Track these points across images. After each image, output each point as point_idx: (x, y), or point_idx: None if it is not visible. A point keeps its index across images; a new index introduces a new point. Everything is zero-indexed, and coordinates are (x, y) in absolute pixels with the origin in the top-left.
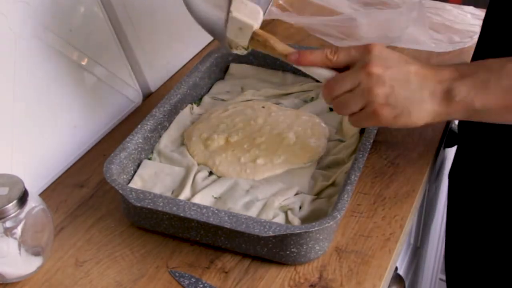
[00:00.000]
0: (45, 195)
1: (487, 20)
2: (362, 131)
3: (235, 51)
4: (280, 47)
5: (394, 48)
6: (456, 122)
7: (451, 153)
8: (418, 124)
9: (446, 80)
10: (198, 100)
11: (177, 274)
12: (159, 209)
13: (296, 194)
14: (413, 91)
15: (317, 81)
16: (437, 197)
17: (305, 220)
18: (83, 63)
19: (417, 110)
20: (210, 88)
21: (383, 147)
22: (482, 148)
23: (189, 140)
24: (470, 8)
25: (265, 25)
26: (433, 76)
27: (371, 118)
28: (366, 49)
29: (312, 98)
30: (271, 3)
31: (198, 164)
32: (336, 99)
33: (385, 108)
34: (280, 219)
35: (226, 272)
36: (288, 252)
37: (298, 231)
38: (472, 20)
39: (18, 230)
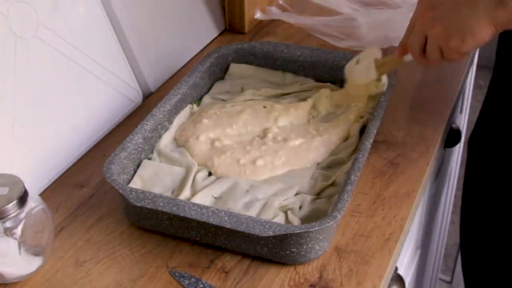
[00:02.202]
0: (45, 195)
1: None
2: (362, 131)
3: (377, 91)
4: (395, 58)
5: (394, 47)
6: (461, 122)
7: (451, 153)
8: (486, 38)
9: None
10: (198, 100)
11: (177, 274)
12: (159, 209)
13: (296, 194)
14: (467, 14)
15: (317, 80)
16: (437, 197)
17: (305, 220)
18: (83, 63)
19: (477, 28)
20: (210, 88)
21: (383, 147)
22: (504, 116)
23: (186, 140)
24: None
25: (265, 25)
26: None
27: (450, 52)
28: (417, 4)
29: (311, 96)
30: None
31: (198, 165)
32: (424, 54)
33: (450, 39)
34: (280, 219)
35: (226, 272)
36: (288, 252)
37: (298, 231)
38: None
39: (18, 230)
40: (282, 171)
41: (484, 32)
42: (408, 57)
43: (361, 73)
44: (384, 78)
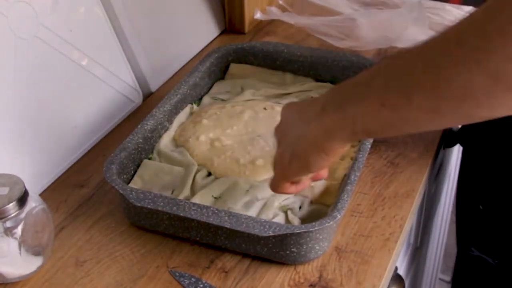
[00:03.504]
0: (45, 195)
1: None
2: None
3: None
4: None
5: (394, 47)
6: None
7: (451, 153)
8: (312, 162)
9: (316, 102)
10: (198, 100)
11: (177, 274)
12: (159, 209)
13: (296, 194)
14: (294, 130)
15: (317, 80)
16: (437, 197)
17: (305, 220)
18: (83, 63)
19: (301, 149)
20: (210, 88)
21: (383, 147)
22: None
23: (186, 140)
24: (470, 8)
25: (265, 25)
26: (313, 101)
27: (281, 179)
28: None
29: (312, 98)
30: None
31: (198, 165)
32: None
33: (283, 163)
34: (280, 219)
35: (226, 272)
36: (288, 252)
37: (298, 231)
38: None
39: (18, 230)
40: None
41: (309, 156)
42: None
43: None
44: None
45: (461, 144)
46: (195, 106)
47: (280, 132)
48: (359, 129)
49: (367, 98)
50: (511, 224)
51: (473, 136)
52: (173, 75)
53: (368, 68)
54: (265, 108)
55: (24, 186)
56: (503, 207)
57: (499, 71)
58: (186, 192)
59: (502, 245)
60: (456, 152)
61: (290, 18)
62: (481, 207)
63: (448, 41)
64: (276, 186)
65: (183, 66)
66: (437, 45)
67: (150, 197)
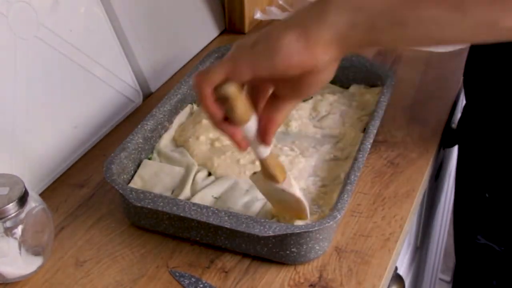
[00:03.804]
0: (45, 195)
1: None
2: (362, 131)
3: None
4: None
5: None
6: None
7: (451, 153)
8: (284, 46)
9: (316, 5)
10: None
11: (177, 274)
12: (159, 209)
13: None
14: (273, 30)
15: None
16: (437, 197)
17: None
18: (83, 63)
19: (275, 30)
20: None
21: (383, 147)
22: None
23: (186, 140)
24: None
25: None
26: (296, 13)
27: (226, 65)
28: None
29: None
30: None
31: (198, 165)
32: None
33: (237, 51)
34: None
35: (226, 272)
36: (288, 252)
37: (298, 231)
38: None
39: (18, 230)
40: None
41: (281, 37)
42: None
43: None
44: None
45: (460, 142)
46: (195, 106)
47: (240, 47)
48: (361, 21)
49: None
50: None
51: (474, 125)
52: (173, 75)
53: None
54: None
55: (24, 186)
56: (509, 194)
57: None
58: (186, 192)
59: (508, 232)
60: (456, 152)
61: None
62: (487, 195)
63: None
64: (205, 78)
65: (183, 66)
66: None
67: (150, 197)
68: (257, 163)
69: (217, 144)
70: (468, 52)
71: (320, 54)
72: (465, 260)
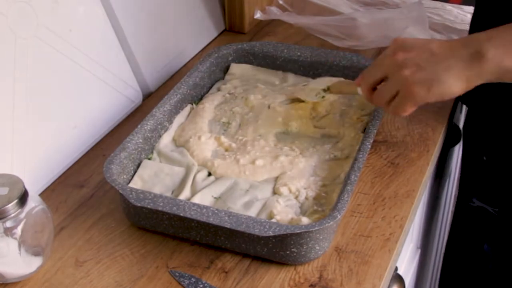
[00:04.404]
0: (45, 195)
1: (475, 18)
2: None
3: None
4: (351, 86)
5: None
6: (461, 122)
7: (451, 153)
8: (454, 91)
9: (473, 43)
10: (198, 100)
11: (177, 274)
12: (159, 209)
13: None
14: (439, 62)
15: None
16: (437, 197)
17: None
18: (83, 63)
19: (447, 77)
20: (210, 88)
21: (383, 147)
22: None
23: (186, 140)
24: (470, 8)
25: (265, 25)
26: (459, 44)
27: (407, 100)
28: (390, 44)
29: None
30: None
31: (198, 165)
32: (371, 91)
33: (416, 85)
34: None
35: (226, 272)
36: (288, 252)
37: (298, 231)
38: None
39: (18, 230)
40: (280, 171)
41: (454, 85)
42: (360, 90)
43: (306, 90)
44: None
45: (465, 103)
46: (195, 106)
47: (410, 58)
48: (508, 77)
49: None
50: None
51: (477, 94)
52: (173, 75)
53: None
54: (268, 107)
55: (24, 186)
56: (506, 157)
57: None
58: (186, 192)
59: (503, 194)
60: (456, 152)
61: (290, 18)
62: (484, 158)
63: None
64: (404, 110)
65: (183, 66)
66: None
67: (150, 197)
68: (257, 163)
69: (217, 144)
70: None
71: (471, 86)
72: (459, 225)
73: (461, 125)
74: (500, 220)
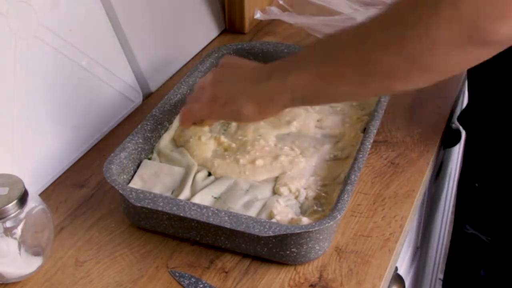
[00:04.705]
0: (45, 195)
1: None
2: (363, 131)
3: None
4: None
5: None
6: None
7: (451, 153)
8: (244, 113)
9: (267, 67)
10: None
11: (177, 274)
12: (159, 209)
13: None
14: (240, 83)
15: None
16: (437, 197)
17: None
18: (83, 63)
19: (240, 98)
20: None
21: (383, 147)
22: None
23: (187, 140)
24: None
25: (265, 25)
26: (260, 68)
27: (202, 109)
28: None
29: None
30: None
31: (198, 165)
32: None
33: (214, 101)
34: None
35: (226, 272)
36: (288, 252)
37: (298, 231)
38: None
39: (18, 230)
40: (281, 171)
41: (246, 104)
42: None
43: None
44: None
45: (462, 126)
46: None
47: (219, 75)
48: (297, 97)
49: (305, 71)
50: (505, 202)
51: (474, 119)
52: (173, 75)
53: (311, 45)
54: None
55: (24, 186)
56: (497, 185)
57: (415, 55)
58: (186, 192)
59: (495, 223)
60: (456, 152)
61: (290, 18)
62: (476, 184)
63: (375, 27)
64: (189, 118)
65: (183, 66)
66: (366, 30)
67: (150, 197)
68: (257, 163)
69: (217, 144)
70: None
71: (268, 116)
72: (455, 250)
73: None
74: (493, 249)
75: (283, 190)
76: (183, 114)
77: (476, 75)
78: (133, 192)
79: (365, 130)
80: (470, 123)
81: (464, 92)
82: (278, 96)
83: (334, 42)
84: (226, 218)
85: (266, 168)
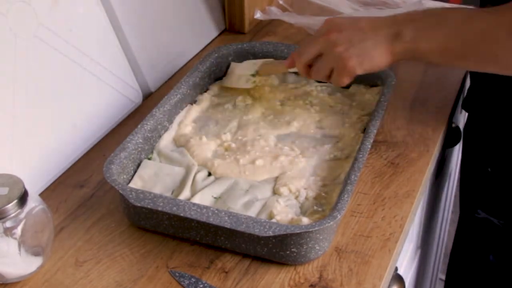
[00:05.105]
0: (45, 195)
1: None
2: (363, 131)
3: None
4: (281, 65)
5: None
6: (461, 122)
7: (451, 153)
8: (382, 64)
9: (396, 24)
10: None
11: (177, 274)
12: (159, 209)
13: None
14: (367, 39)
15: (318, 81)
16: (437, 197)
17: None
18: (83, 63)
19: (376, 53)
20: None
21: (383, 147)
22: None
23: (187, 140)
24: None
25: (265, 25)
26: (385, 22)
27: (343, 73)
28: (323, 24)
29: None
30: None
31: (198, 165)
32: (308, 68)
33: (350, 59)
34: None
35: (226, 272)
36: (288, 252)
37: (298, 231)
38: None
39: (18, 230)
40: (280, 171)
41: (381, 59)
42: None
43: (234, 78)
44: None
45: (467, 110)
46: (194, 106)
47: (332, 25)
48: (421, 57)
49: (434, 41)
50: None
51: (479, 101)
52: (173, 75)
53: (445, 10)
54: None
55: (24, 186)
56: (511, 169)
57: None
58: (186, 192)
59: (508, 206)
60: (456, 152)
61: (290, 18)
62: (489, 169)
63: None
64: (343, 81)
65: (183, 66)
66: (500, 25)
67: (150, 197)
68: (257, 163)
69: (218, 144)
70: None
71: (395, 60)
72: (464, 235)
73: (461, 125)
74: (506, 232)
75: (283, 190)
76: (338, 84)
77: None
78: (133, 192)
79: (365, 130)
80: (474, 106)
81: (464, 93)
82: (407, 51)
83: (468, 24)
84: (226, 218)
85: (266, 168)
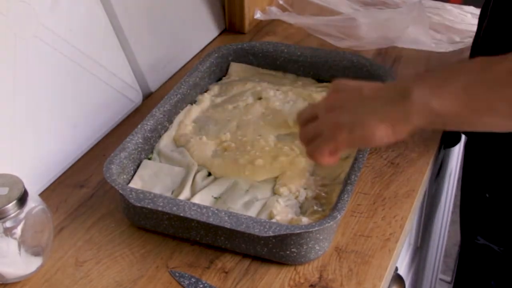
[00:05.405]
0: (45, 195)
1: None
2: None
3: None
4: None
5: (394, 48)
6: None
7: (451, 153)
8: (378, 136)
9: (400, 84)
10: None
11: (177, 274)
12: (159, 209)
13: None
14: (365, 105)
15: (318, 81)
16: (437, 197)
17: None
18: (83, 63)
19: (370, 120)
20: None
21: (383, 147)
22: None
23: (187, 140)
24: (470, 8)
25: (265, 25)
26: (387, 86)
27: (327, 141)
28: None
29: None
30: None
31: (198, 165)
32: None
33: (338, 127)
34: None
35: (226, 272)
36: (288, 252)
37: (298, 231)
38: (472, 20)
39: (18, 230)
40: (280, 171)
41: (377, 128)
42: None
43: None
44: None
45: (466, 134)
46: (194, 106)
47: (334, 100)
48: (438, 122)
49: (453, 97)
50: None
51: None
52: (173, 75)
53: (460, 62)
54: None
55: (24, 186)
56: (509, 195)
57: None
58: (186, 192)
59: (508, 232)
60: (456, 152)
61: (290, 18)
62: (487, 195)
63: None
64: (320, 153)
65: (183, 66)
66: None
67: (150, 197)
68: (257, 163)
69: (218, 144)
70: (471, 48)
71: (401, 138)
72: (465, 260)
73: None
74: (506, 259)
75: (283, 190)
76: (312, 156)
77: None
78: (133, 192)
79: None
80: (473, 132)
81: None
82: (416, 117)
83: (486, 72)
84: (226, 218)
85: (266, 168)
